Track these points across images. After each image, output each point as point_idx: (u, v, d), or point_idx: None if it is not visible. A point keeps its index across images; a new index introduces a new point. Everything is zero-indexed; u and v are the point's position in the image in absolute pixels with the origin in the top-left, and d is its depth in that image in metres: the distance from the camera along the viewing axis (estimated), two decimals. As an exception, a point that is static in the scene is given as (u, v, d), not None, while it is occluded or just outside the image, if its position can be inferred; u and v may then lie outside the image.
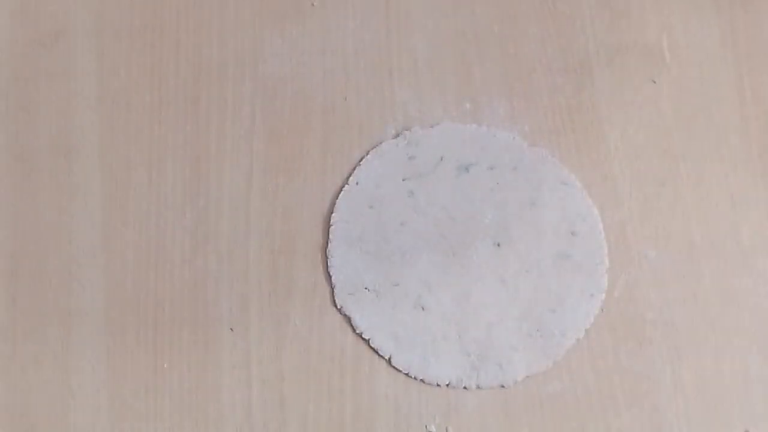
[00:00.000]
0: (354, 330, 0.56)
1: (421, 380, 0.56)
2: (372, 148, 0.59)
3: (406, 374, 0.56)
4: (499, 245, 0.57)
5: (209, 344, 0.56)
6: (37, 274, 0.57)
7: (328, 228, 0.58)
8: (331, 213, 0.58)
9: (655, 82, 0.60)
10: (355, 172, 0.59)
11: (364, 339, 0.56)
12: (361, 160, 0.59)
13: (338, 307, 0.57)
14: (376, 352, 0.56)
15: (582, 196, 0.59)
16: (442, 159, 0.59)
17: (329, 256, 0.57)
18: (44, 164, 0.59)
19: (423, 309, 0.57)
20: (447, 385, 0.56)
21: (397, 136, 0.60)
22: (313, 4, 0.62)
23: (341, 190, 0.59)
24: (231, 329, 0.56)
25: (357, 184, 0.59)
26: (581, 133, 0.60)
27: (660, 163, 0.59)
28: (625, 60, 0.60)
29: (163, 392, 0.55)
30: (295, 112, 0.60)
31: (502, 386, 0.56)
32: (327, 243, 0.58)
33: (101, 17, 0.62)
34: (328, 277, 0.57)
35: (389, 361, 0.56)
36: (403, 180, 0.59)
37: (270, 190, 0.59)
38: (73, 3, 0.62)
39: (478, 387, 0.56)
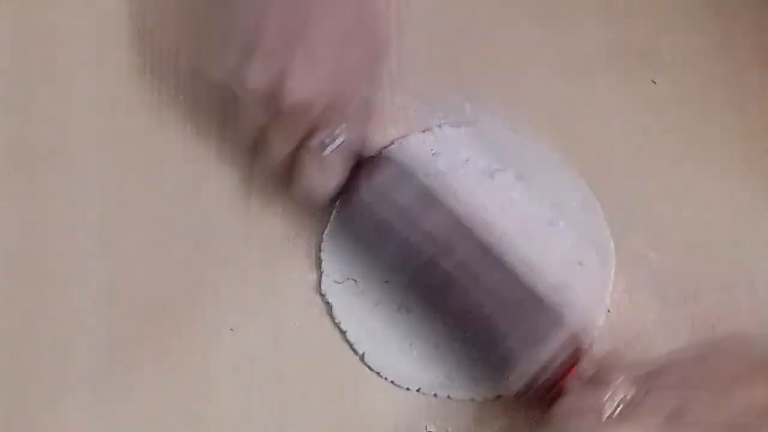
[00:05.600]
0: (333, 320, 0.55)
1: (392, 382, 0.54)
2: None
3: (378, 374, 0.54)
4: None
5: (209, 345, 0.56)
6: (38, 275, 0.58)
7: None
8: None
9: (655, 83, 0.58)
10: None
11: (341, 330, 0.55)
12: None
13: (322, 293, 0.56)
14: (350, 346, 0.55)
15: (602, 223, 0.55)
16: (467, 160, 0.57)
17: (323, 241, 0.56)
18: (44, 166, 0.60)
19: (407, 311, 0.54)
20: (417, 390, 0.53)
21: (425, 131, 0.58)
22: (313, 5, 0.62)
23: None
24: (231, 329, 0.56)
25: None
26: (581, 134, 0.58)
27: (660, 164, 0.57)
28: (625, 60, 0.59)
29: (162, 393, 0.55)
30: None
31: (472, 400, 0.53)
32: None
33: (101, 19, 0.62)
34: (328, 275, 0.57)
35: (362, 358, 0.54)
36: (426, 176, 0.56)
37: (270, 190, 0.58)
38: (72, 6, 0.63)
39: (449, 398, 0.53)
